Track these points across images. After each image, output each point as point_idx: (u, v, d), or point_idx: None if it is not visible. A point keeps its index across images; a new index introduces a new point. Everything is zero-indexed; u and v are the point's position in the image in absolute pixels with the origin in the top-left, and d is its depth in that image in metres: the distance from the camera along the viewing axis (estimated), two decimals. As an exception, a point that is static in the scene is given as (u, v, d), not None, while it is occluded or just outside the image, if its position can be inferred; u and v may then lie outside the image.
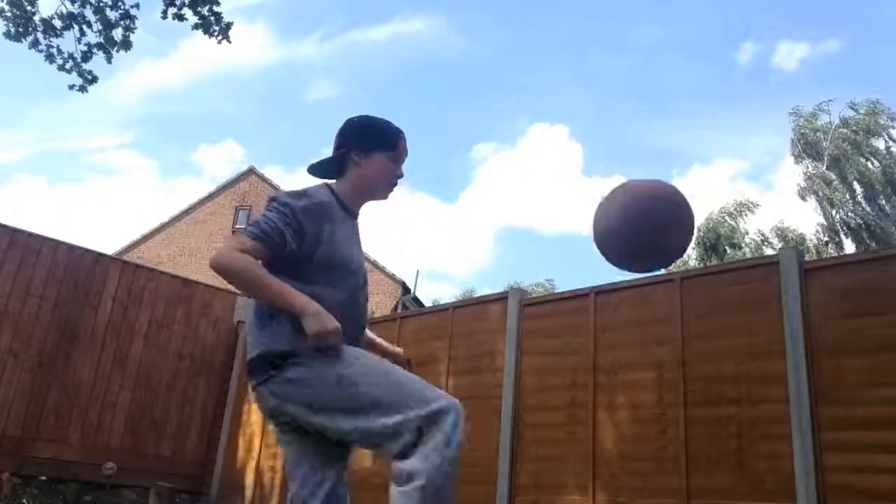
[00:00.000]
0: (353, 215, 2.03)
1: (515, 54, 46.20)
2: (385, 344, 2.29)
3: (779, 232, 21.94)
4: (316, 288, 1.80)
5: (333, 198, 1.95)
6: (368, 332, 2.15)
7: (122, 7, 7.35)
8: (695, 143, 46.85)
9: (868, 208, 21.12)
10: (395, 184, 2.04)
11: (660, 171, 48.04)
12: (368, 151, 1.99)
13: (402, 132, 2.06)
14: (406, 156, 2.07)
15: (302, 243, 1.81)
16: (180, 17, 7.20)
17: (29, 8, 7.22)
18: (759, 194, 37.49)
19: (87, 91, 7.41)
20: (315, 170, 2.05)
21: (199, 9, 7.19)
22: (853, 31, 35.23)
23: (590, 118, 48.14)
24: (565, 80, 45.59)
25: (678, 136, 44.26)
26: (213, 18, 7.24)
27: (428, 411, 1.67)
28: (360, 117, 2.07)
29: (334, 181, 2.03)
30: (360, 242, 2.06)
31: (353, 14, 44.71)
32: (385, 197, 2.07)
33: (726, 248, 21.68)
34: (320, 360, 1.74)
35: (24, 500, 6.46)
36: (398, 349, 2.29)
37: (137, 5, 7.39)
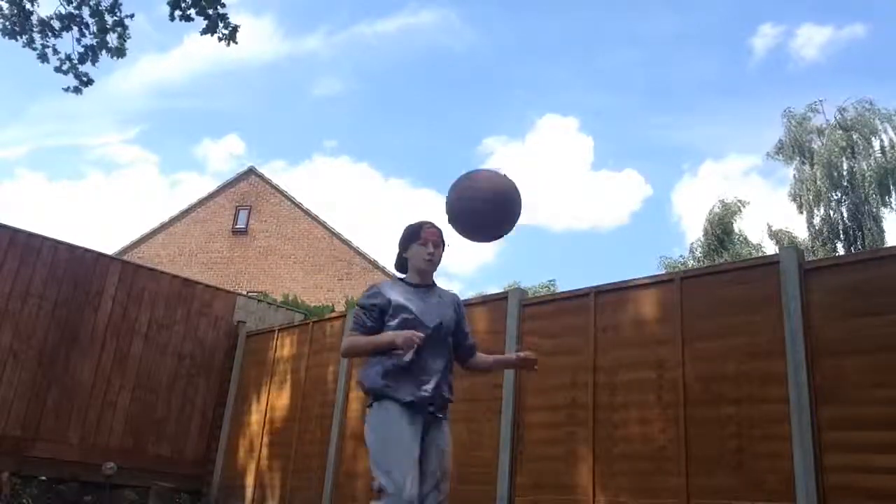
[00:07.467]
0: (423, 286, 2.84)
1: (525, 46, 45.60)
2: (504, 357, 3.45)
3: (772, 234, 21.93)
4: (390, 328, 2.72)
5: (399, 281, 2.87)
6: (482, 356, 2.97)
7: (119, 14, 7.34)
8: (707, 138, 46.06)
9: (863, 209, 21.06)
10: (430, 259, 2.81)
11: (670, 165, 47.49)
12: (407, 247, 2.87)
13: (425, 223, 2.83)
14: (434, 237, 2.80)
15: (382, 315, 2.73)
16: (187, 18, 7.19)
17: (28, 7, 7.21)
18: (770, 191, 36.80)
19: (81, 93, 7.39)
20: (398, 269, 2.96)
21: (206, 10, 7.17)
22: (883, 14, 31.78)
23: (600, 111, 47.24)
24: (575, 72, 45.04)
25: (690, 129, 43.40)
26: (219, 20, 7.23)
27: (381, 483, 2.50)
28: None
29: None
30: (426, 300, 2.79)
31: (361, 7, 44.37)
32: (429, 268, 2.83)
33: (724, 245, 21.64)
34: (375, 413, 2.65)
35: (24, 500, 6.45)
36: (516, 354, 3.00)
37: (132, 15, 7.43)
